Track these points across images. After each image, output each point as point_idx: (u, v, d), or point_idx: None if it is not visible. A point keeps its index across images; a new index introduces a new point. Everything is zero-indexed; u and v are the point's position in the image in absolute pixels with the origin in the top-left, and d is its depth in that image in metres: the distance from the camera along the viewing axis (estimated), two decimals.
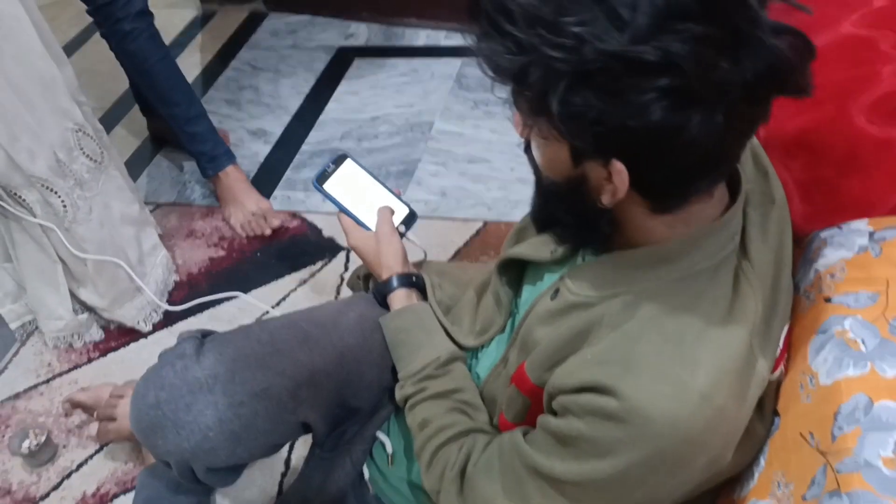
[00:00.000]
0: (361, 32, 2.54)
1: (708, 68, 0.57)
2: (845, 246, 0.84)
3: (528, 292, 0.97)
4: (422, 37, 2.48)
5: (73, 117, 1.44)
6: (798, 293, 0.86)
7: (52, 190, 1.41)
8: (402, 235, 1.11)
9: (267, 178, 2.03)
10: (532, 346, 0.85)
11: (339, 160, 1.13)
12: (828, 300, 0.80)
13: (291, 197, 1.97)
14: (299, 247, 1.82)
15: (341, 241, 1.81)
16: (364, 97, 2.27)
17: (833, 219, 0.88)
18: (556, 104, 0.62)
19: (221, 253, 1.82)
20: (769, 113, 0.64)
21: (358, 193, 1.12)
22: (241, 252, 1.82)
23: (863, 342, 0.73)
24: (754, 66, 0.59)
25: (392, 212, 1.10)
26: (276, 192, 1.99)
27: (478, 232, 1.79)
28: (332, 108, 2.25)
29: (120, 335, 1.67)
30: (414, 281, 1.09)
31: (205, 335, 1.02)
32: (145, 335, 1.66)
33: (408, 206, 1.14)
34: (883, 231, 0.84)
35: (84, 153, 1.47)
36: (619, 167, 0.65)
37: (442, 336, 1.03)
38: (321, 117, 2.22)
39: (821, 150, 0.89)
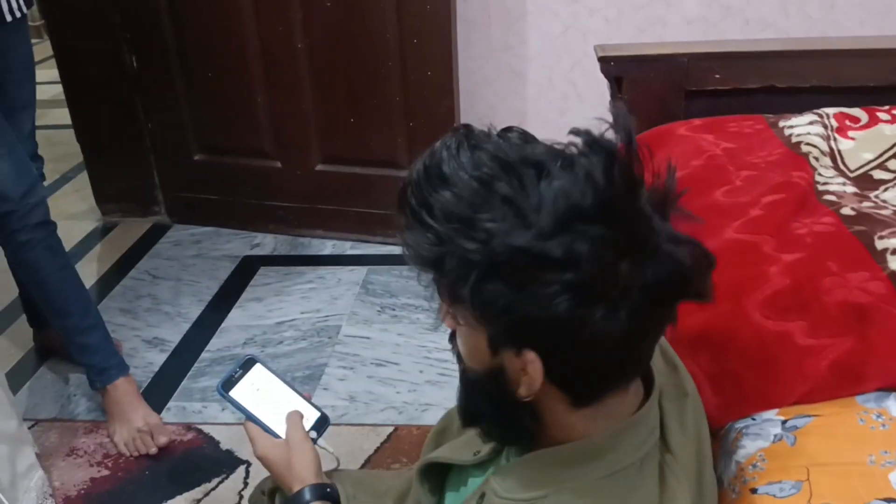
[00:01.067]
0: (268, 242, 2.57)
1: (607, 267, 0.60)
2: (761, 436, 0.85)
3: (450, 499, 0.91)
4: (328, 246, 2.53)
5: None
6: (723, 487, 0.85)
7: None
8: (313, 442, 1.04)
9: (161, 389, 1.92)
10: None
11: (246, 365, 1.09)
12: (753, 491, 0.79)
13: (187, 408, 1.86)
14: (193, 462, 1.69)
15: (241, 453, 1.70)
16: (269, 303, 2.25)
17: (745, 409, 0.89)
18: (468, 292, 0.63)
19: (105, 472, 1.66)
20: (675, 315, 0.67)
21: (266, 399, 1.06)
22: (128, 471, 1.67)
23: None
24: (655, 271, 0.62)
25: (302, 416, 1.05)
26: (171, 404, 1.87)
27: (388, 437, 1.72)
28: (236, 315, 2.20)
29: None
30: (328, 492, 1.02)
31: None
32: None
33: (319, 410, 1.09)
34: (793, 420, 0.85)
35: None
36: (531, 357, 0.65)
37: None
38: (223, 324, 2.17)
39: (724, 344, 0.92)
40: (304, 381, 1.91)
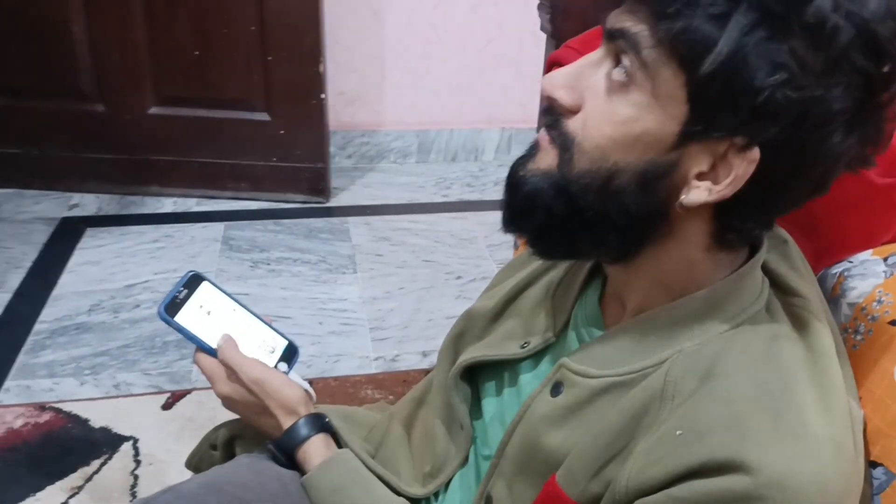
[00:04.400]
0: (88, 202, 2.16)
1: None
2: (868, 275, 0.80)
3: (492, 405, 0.76)
4: (167, 204, 2.18)
5: None
6: None
7: None
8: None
9: None
10: (546, 461, 0.64)
11: (191, 283, 0.84)
12: (894, 322, 0.73)
13: (33, 386, 1.48)
14: (59, 446, 1.33)
15: (121, 428, 1.37)
16: (109, 266, 1.88)
17: (840, 254, 0.84)
18: (745, 50, 0.48)
19: None
20: None
21: (220, 325, 0.83)
22: None
23: None
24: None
25: (272, 349, 0.83)
26: (8, 383, 1.48)
27: None
28: (69, 281, 1.81)
29: None
30: (327, 423, 0.81)
31: None
32: None
33: (285, 337, 0.87)
34: (892, 257, 0.81)
35: None
36: (754, 156, 0.52)
37: (384, 490, 0.77)
38: (55, 291, 1.77)
39: None
40: (179, 348, 1.60)
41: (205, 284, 0.83)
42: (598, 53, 0.56)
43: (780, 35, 0.48)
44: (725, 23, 0.48)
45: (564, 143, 0.56)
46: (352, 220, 2.15)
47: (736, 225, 0.57)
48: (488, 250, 2.00)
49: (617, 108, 0.54)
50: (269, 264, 1.92)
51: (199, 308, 0.81)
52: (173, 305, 0.80)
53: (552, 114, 0.57)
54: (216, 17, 2.01)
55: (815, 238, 0.84)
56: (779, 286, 0.65)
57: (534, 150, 0.60)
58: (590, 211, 0.57)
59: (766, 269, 0.65)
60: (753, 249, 0.64)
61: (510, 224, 0.62)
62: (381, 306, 1.79)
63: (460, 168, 2.48)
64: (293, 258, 1.95)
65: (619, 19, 0.53)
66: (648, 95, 0.52)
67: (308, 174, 2.20)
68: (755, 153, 0.51)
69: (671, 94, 0.51)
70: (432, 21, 2.34)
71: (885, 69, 0.50)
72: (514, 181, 0.60)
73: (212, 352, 0.80)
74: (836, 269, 0.83)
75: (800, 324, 0.62)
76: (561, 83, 0.56)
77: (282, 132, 2.15)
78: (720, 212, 0.56)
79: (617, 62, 0.54)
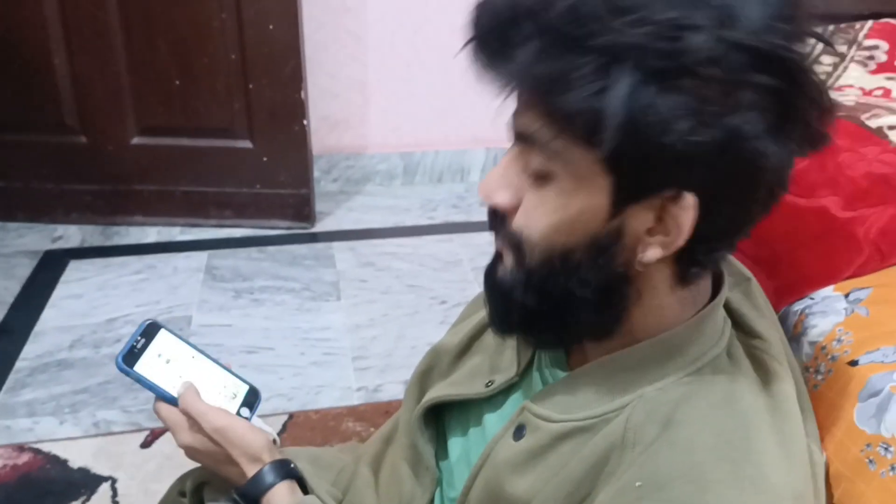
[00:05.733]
0: (72, 234, 2.16)
1: (805, 73, 0.51)
2: (829, 312, 0.79)
3: (457, 445, 0.76)
4: (151, 234, 2.18)
5: None
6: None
7: None
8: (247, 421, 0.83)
9: None
10: None
11: (149, 332, 0.83)
12: (853, 363, 0.72)
13: (12, 426, 1.47)
14: (38, 487, 1.33)
15: (99, 469, 1.36)
16: (91, 300, 1.87)
17: (802, 290, 0.84)
18: (630, 114, 0.48)
19: None
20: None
21: (180, 372, 0.82)
22: None
23: None
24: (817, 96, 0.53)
25: (234, 394, 0.83)
26: None
27: (284, 426, 1.48)
28: (51, 316, 1.81)
29: None
30: (292, 469, 0.80)
31: None
32: None
33: (246, 382, 0.86)
34: (853, 293, 0.81)
35: None
36: (689, 202, 0.52)
37: None
38: (37, 328, 1.77)
39: (764, 227, 0.85)
40: None
41: (162, 332, 0.82)
42: (515, 149, 0.57)
43: (670, 85, 0.48)
44: (607, 94, 0.48)
45: (515, 243, 0.58)
46: (336, 246, 2.14)
47: (698, 260, 0.58)
48: (473, 273, 2.00)
49: (547, 200, 0.55)
50: (252, 293, 1.91)
51: (158, 357, 0.81)
52: (131, 355, 0.79)
53: (496, 217, 0.59)
54: (196, 46, 2.01)
55: (775, 275, 0.84)
56: (741, 327, 0.66)
57: (496, 256, 0.62)
58: (556, 294, 0.58)
59: (729, 309, 0.65)
60: (716, 285, 0.63)
61: (498, 327, 0.65)
62: (365, 334, 1.78)
63: (446, 189, 2.47)
64: (276, 286, 1.94)
65: (520, 121, 0.55)
66: (571, 179, 0.54)
67: (292, 200, 2.20)
68: (689, 200, 0.52)
69: (590, 171, 0.52)
70: (414, 43, 2.34)
71: (785, 77, 0.50)
72: (489, 287, 0.63)
73: (173, 400, 0.79)
74: (798, 307, 0.82)
75: (761, 369, 0.62)
76: (495, 186, 0.58)
77: (265, 159, 2.15)
78: (680, 255, 0.56)
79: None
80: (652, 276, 0.58)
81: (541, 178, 0.55)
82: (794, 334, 0.81)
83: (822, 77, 0.53)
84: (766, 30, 0.49)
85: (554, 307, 0.60)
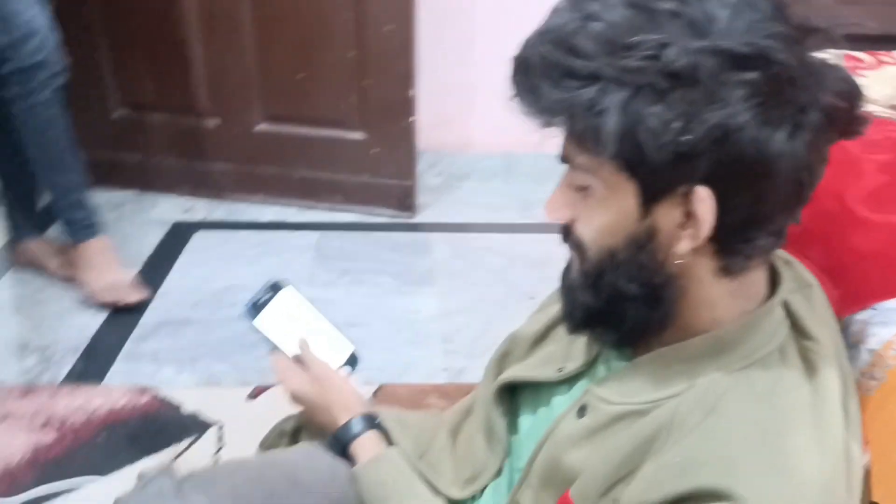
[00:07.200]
0: (199, 207, 2.37)
1: (792, 67, 0.57)
2: (889, 322, 0.82)
3: (527, 421, 0.83)
4: (269, 213, 2.36)
5: None
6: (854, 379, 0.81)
7: None
8: None
9: (101, 351, 1.71)
10: (565, 477, 0.71)
11: (275, 288, 0.96)
12: None
13: (136, 370, 1.65)
14: (154, 426, 1.50)
15: (208, 416, 1.52)
16: (213, 268, 2.06)
17: (866, 300, 0.86)
18: (625, 127, 0.57)
19: (50, 437, 1.44)
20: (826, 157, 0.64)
21: (296, 329, 0.94)
22: (76, 436, 1.45)
23: None
24: (831, 82, 0.59)
25: (339, 353, 0.96)
26: (115, 367, 1.66)
27: (374, 395, 1.59)
28: (175, 279, 2.01)
29: None
30: (377, 423, 0.91)
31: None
32: None
33: (352, 344, 0.98)
34: None
35: None
36: (702, 195, 0.59)
37: (425, 489, 0.86)
38: (162, 288, 1.96)
39: (834, 239, 0.89)
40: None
41: (286, 290, 0.95)
42: (565, 173, 0.67)
43: (657, 96, 0.55)
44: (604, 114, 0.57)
45: (578, 248, 0.67)
46: (434, 236, 2.26)
47: (739, 248, 0.63)
48: None
49: (591, 208, 0.64)
50: (355, 273, 2.05)
51: (279, 312, 0.94)
52: (255, 307, 0.92)
53: (564, 228, 0.68)
54: (319, 43, 2.18)
55: (840, 284, 0.87)
56: (796, 328, 0.70)
57: (569, 261, 0.71)
58: (608, 292, 0.66)
59: (788, 311, 0.70)
60: (774, 287, 0.69)
61: (568, 324, 0.73)
62: (455, 320, 1.88)
63: (545, 191, 2.53)
64: (377, 269, 2.07)
65: (563, 148, 0.64)
66: (604, 188, 0.62)
67: (396, 190, 2.33)
68: (702, 193, 0.58)
69: (616, 179, 0.61)
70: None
71: (762, 68, 0.55)
72: (562, 289, 0.72)
73: (287, 351, 0.91)
74: (861, 316, 0.85)
75: (810, 367, 0.67)
76: (556, 206, 0.67)
77: (374, 150, 2.29)
78: (718, 245, 0.62)
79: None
80: (694, 269, 0.64)
81: (583, 191, 0.64)
82: (855, 342, 0.84)
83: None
84: (729, 33, 0.56)
85: (607, 304, 0.67)
